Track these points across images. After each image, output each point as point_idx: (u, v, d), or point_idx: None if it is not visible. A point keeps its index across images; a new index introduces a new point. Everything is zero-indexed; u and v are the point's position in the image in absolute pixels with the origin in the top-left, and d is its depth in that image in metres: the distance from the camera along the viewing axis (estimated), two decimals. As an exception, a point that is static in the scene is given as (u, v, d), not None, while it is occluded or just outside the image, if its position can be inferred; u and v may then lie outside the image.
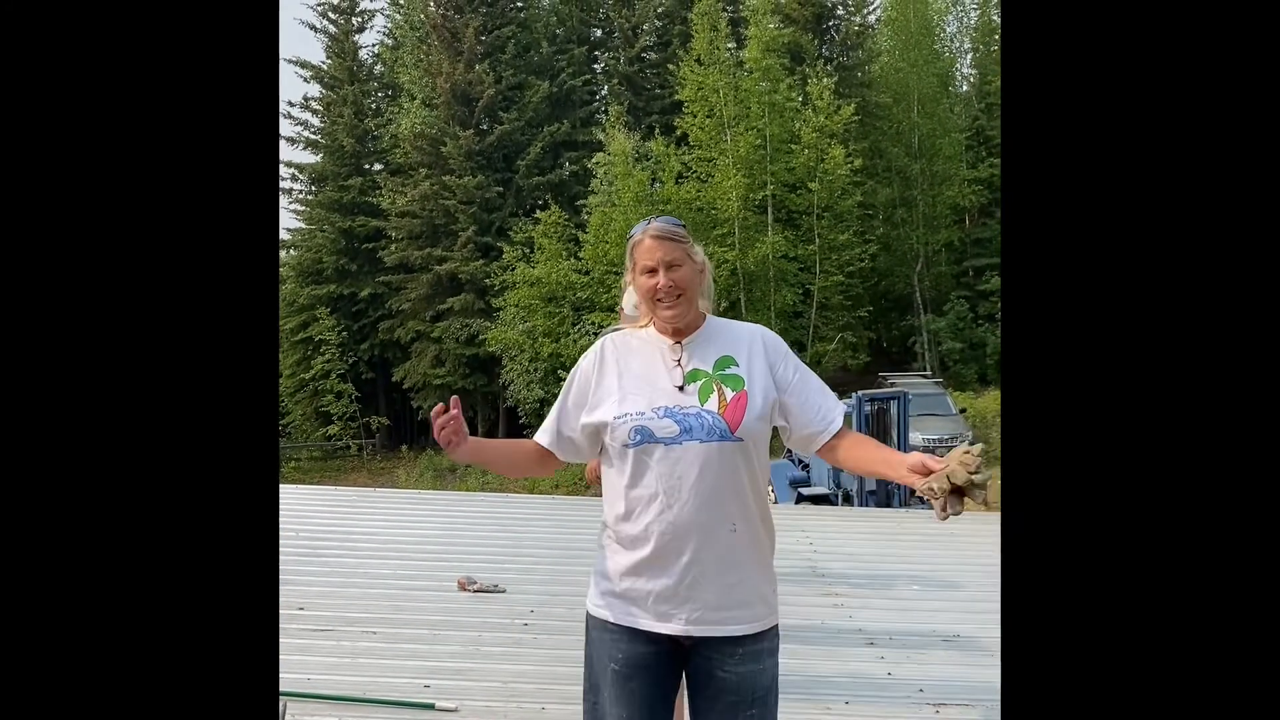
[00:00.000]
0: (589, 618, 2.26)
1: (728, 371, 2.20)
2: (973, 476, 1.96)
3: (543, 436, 2.33)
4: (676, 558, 2.12)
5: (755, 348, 2.25)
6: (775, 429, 2.27)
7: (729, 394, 2.16)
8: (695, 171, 26.70)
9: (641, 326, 2.31)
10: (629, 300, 3.82)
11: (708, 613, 2.13)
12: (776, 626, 2.21)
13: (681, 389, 2.17)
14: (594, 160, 27.70)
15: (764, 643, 2.17)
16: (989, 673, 4.20)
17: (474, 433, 2.21)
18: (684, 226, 2.28)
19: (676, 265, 2.20)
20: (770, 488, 14.78)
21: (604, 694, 2.20)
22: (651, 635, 2.16)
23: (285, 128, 32.98)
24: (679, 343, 2.24)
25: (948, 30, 34.25)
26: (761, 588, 2.18)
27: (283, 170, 31.93)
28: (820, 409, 2.25)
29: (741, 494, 2.15)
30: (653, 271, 2.21)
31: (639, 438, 2.13)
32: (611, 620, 2.19)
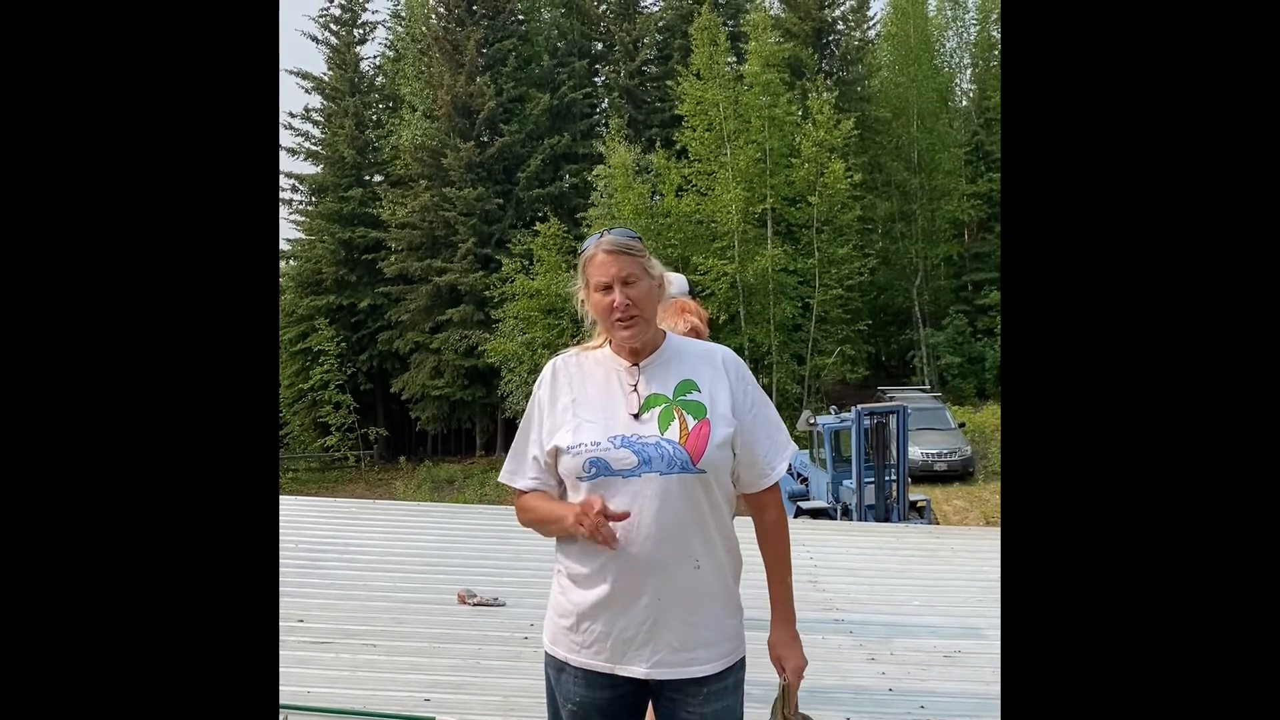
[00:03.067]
0: (546, 655, 2.14)
1: (689, 397, 2.04)
2: None
3: (522, 481, 2.11)
4: (635, 598, 1.99)
5: (718, 371, 2.09)
6: None
7: (690, 422, 2.01)
8: (695, 185, 26.76)
9: (596, 347, 2.13)
10: (665, 285, 3.79)
11: (670, 654, 2.01)
12: (743, 659, 2.11)
13: (637, 417, 2.01)
14: (594, 173, 27.77)
15: (729, 679, 2.07)
16: (990, 688, 4.18)
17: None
18: (639, 239, 2.10)
19: (633, 281, 2.02)
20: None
21: None
22: (612, 678, 2.04)
23: (286, 139, 33.06)
24: (636, 365, 2.07)
25: (947, 46, 34.39)
26: (726, 624, 2.06)
27: (283, 181, 31.98)
28: (763, 460, 2.10)
29: (705, 528, 2.02)
30: (607, 289, 2.02)
31: (594, 471, 1.98)
32: (569, 662, 2.08)
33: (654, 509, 1.97)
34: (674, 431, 2.00)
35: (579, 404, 2.05)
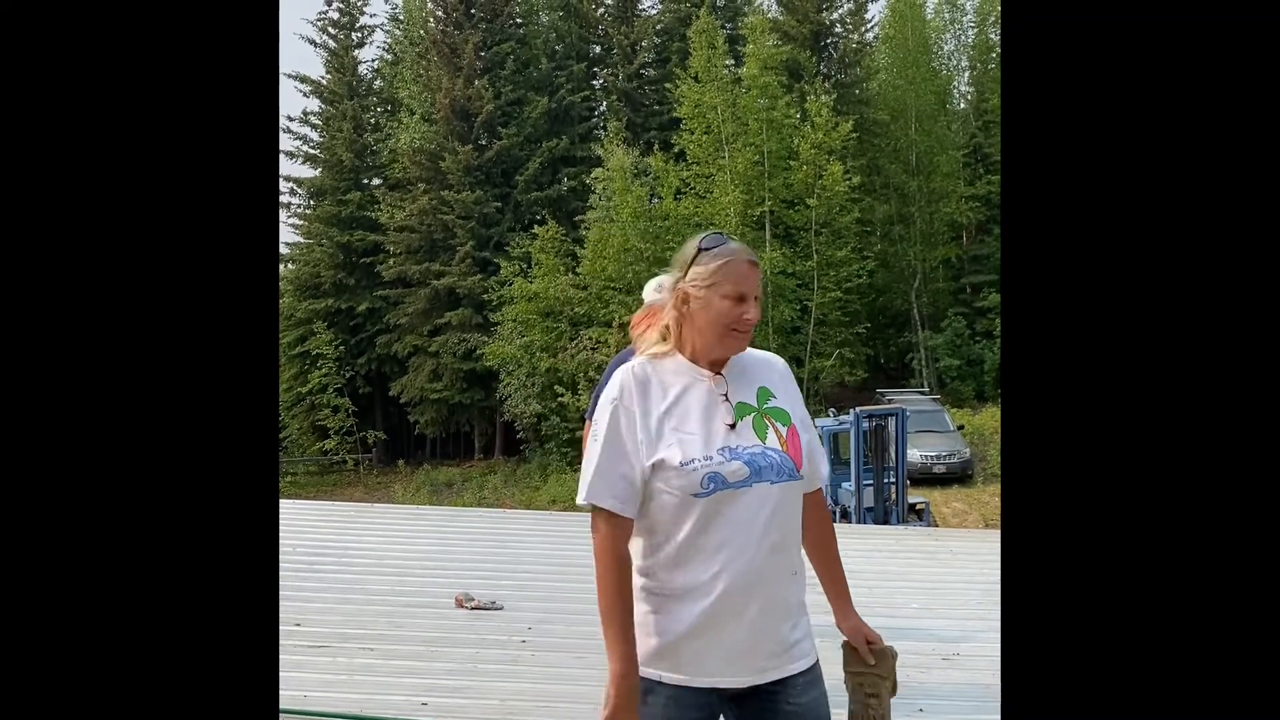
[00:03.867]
0: None
1: (770, 405, 2.05)
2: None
3: (611, 501, 1.97)
4: (745, 609, 1.94)
5: (783, 378, 2.12)
6: None
7: (782, 429, 2.02)
8: (693, 187, 26.77)
9: (664, 354, 2.06)
10: (654, 291, 3.74)
11: (768, 660, 2.00)
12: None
13: (733, 426, 1.99)
14: (592, 176, 27.77)
15: (815, 671, 2.08)
16: (989, 690, 4.18)
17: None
18: None
19: (759, 297, 2.03)
20: None
21: None
22: (707, 694, 1.99)
23: (284, 142, 33.07)
24: (719, 374, 2.04)
25: (945, 48, 34.43)
26: (806, 623, 2.09)
27: (281, 184, 31.98)
28: (819, 461, 2.14)
29: (798, 535, 2.04)
30: (741, 299, 1.99)
31: (712, 485, 1.93)
32: (662, 681, 1.98)
33: (765, 520, 1.95)
34: (773, 440, 2.00)
35: (671, 416, 1.98)
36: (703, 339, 2.03)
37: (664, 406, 1.99)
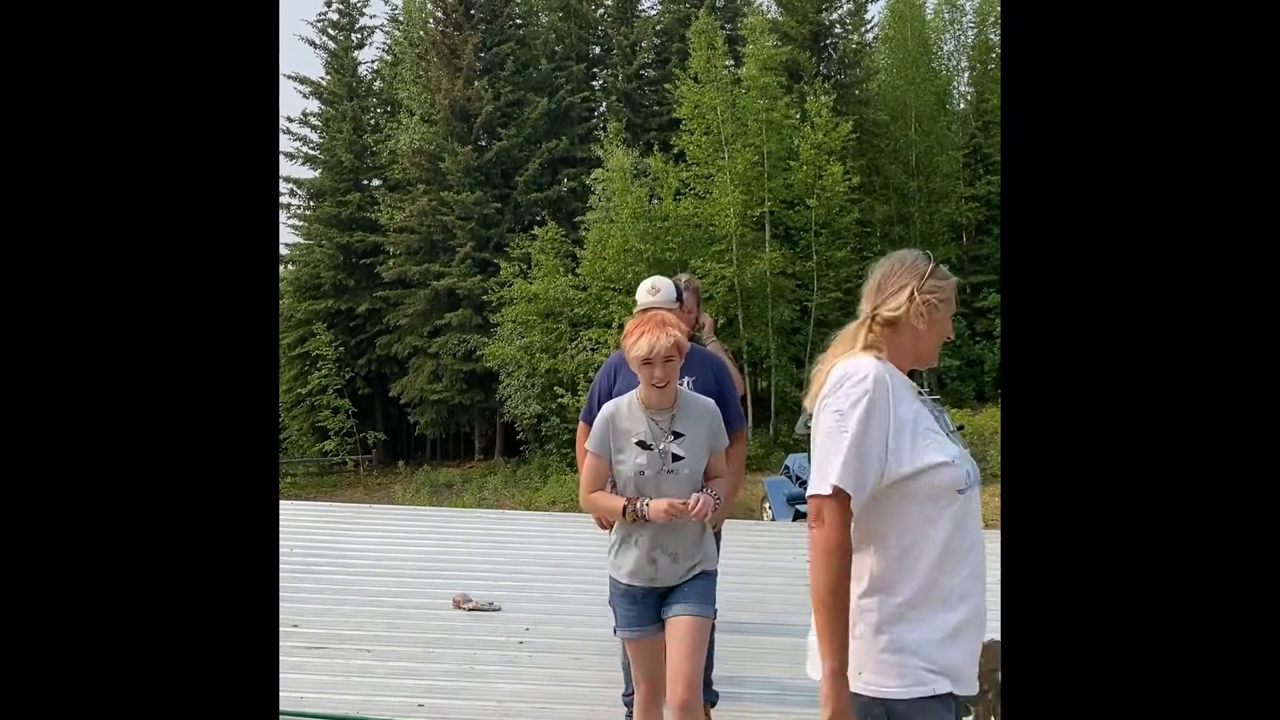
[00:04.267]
0: (898, 705, 1.89)
1: None
2: None
3: (858, 490, 1.89)
4: (984, 612, 1.96)
5: None
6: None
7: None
8: (693, 188, 26.75)
9: (883, 357, 2.02)
10: (649, 294, 3.72)
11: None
12: None
13: (952, 432, 2.04)
14: (592, 176, 27.76)
15: None
16: (988, 692, 4.16)
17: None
18: None
19: None
20: (767, 505, 14.83)
21: None
22: (955, 699, 1.92)
23: (284, 143, 33.05)
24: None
25: (945, 49, 34.41)
26: None
27: (281, 185, 31.96)
28: None
29: None
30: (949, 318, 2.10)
31: (969, 481, 1.95)
32: (937, 696, 1.89)
33: (980, 518, 2.00)
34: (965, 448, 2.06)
35: (921, 418, 1.98)
36: (927, 349, 2.06)
37: (913, 407, 1.97)
